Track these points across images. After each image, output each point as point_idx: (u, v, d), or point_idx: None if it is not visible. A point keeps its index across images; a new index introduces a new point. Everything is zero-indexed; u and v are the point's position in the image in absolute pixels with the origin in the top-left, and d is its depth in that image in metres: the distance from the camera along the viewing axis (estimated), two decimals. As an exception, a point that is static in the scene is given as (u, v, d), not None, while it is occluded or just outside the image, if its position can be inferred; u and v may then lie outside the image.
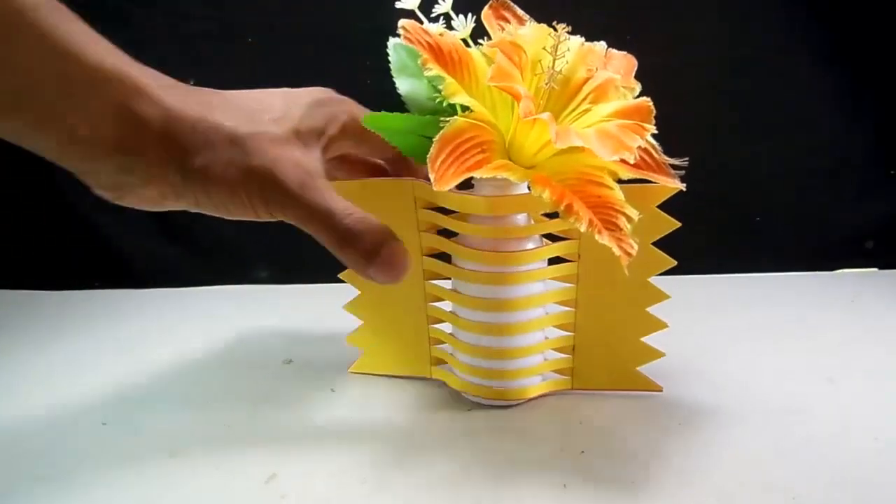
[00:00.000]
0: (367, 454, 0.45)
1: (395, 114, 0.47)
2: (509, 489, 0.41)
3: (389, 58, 0.49)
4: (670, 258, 0.48)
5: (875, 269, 0.83)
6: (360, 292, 0.54)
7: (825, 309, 0.71)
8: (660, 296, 0.49)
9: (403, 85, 0.48)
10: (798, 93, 0.81)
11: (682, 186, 0.45)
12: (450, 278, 0.51)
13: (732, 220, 0.83)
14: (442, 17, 0.46)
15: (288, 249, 0.83)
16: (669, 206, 0.47)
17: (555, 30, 0.44)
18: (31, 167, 0.81)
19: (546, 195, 0.40)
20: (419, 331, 0.54)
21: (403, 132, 0.47)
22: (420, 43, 0.42)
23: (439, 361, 0.54)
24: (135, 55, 0.41)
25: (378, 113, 0.46)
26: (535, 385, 0.51)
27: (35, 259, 0.82)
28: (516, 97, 0.41)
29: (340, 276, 0.54)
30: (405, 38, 0.42)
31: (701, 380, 0.54)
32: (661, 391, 0.51)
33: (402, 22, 0.42)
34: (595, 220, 0.40)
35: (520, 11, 0.47)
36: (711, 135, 0.80)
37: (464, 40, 0.46)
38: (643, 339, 0.50)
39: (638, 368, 0.51)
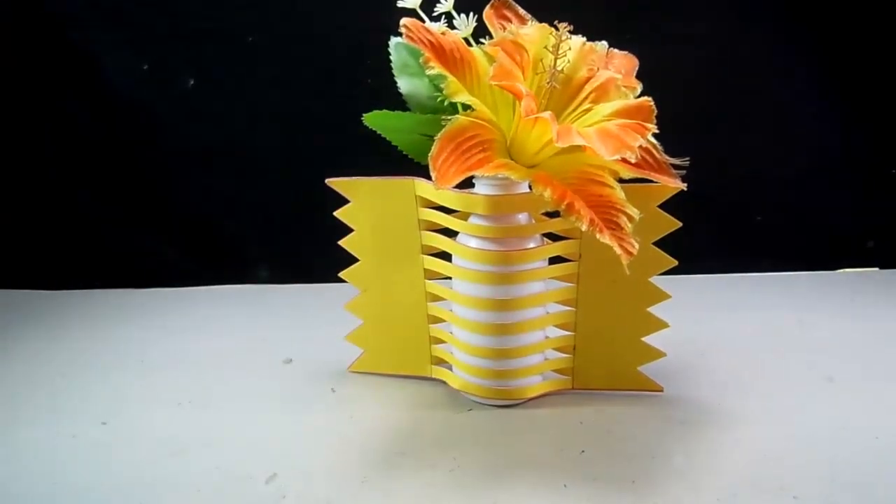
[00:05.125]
0: (367, 454, 0.45)
1: (395, 112, 0.47)
2: (509, 489, 0.41)
3: (391, 56, 0.49)
4: (671, 258, 0.48)
5: (875, 269, 0.83)
6: (360, 292, 0.54)
7: (825, 309, 0.71)
8: (660, 295, 0.49)
9: (404, 84, 0.48)
10: (799, 93, 0.81)
11: (684, 186, 0.45)
12: (450, 278, 0.51)
13: (732, 220, 0.83)
14: (443, 16, 0.46)
15: (288, 249, 0.83)
16: (670, 206, 0.47)
17: (556, 29, 0.44)
18: (31, 167, 0.81)
19: (547, 194, 0.40)
20: (419, 330, 0.54)
21: (404, 131, 0.47)
22: (422, 41, 0.42)
23: (439, 361, 0.54)
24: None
25: (379, 111, 0.46)
26: (535, 384, 0.51)
27: (35, 259, 0.82)
28: (518, 96, 0.41)
29: (341, 275, 0.54)
30: (407, 36, 0.42)
31: (701, 380, 0.54)
32: (661, 391, 0.51)
33: (404, 20, 0.42)
34: (596, 220, 0.40)
35: (521, 11, 0.47)
36: (712, 135, 0.80)
37: (465, 39, 0.46)
38: (644, 338, 0.50)
39: (638, 368, 0.51)
